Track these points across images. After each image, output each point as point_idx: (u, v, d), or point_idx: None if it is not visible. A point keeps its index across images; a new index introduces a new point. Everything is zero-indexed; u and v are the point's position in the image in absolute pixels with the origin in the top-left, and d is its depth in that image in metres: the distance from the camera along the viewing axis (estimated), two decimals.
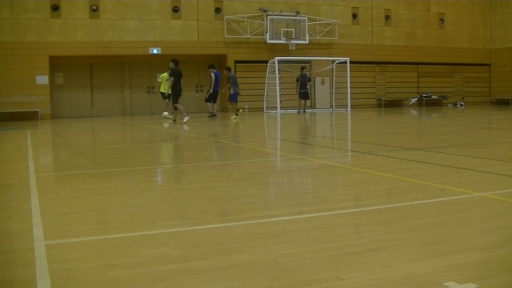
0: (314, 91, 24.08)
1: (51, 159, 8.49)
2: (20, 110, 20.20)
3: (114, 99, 22.95)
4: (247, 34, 22.96)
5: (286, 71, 22.17)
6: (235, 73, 23.18)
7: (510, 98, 26.44)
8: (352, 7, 24.92)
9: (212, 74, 18.47)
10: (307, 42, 23.37)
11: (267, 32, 22.97)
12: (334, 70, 23.63)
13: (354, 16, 25.05)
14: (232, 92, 17.95)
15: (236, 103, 17.99)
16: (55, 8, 20.56)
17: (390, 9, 25.73)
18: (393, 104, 25.92)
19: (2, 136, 12.84)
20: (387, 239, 3.23)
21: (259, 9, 23.18)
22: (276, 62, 21.17)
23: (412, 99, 26.43)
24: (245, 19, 22.96)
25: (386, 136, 11.38)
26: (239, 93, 18.35)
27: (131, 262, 2.87)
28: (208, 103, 18.97)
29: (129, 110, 23.04)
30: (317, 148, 9.03)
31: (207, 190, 5.13)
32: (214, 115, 18.69)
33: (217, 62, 24.13)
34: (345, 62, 22.50)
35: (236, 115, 17.55)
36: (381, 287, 2.44)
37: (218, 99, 19.97)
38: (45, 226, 3.66)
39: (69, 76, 22.13)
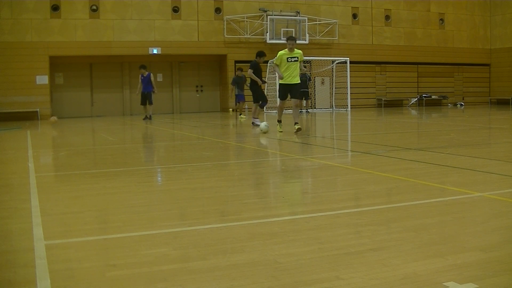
0: (314, 91, 24.08)
1: (51, 159, 8.48)
2: (20, 110, 20.21)
3: (114, 99, 22.97)
4: (247, 34, 22.97)
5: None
6: (234, 73, 23.19)
7: (510, 98, 26.45)
8: (352, 7, 24.93)
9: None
10: (307, 42, 23.38)
11: (267, 32, 22.98)
12: (334, 70, 23.63)
13: (354, 16, 25.06)
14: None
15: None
16: (55, 8, 20.57)
17: (390, 9, 25.74)
18: (393, 104, 25.92)
19: (2, 136, 12.84)
20: (387, 239, 3.23)
21: (259, 9, 23.18)
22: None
23: (412, 99, 26.43)
24: (245, 19, 22.96)
25: (386, 136, 11.37)
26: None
27: (131, 262, 2.87)
28: (150, 106, 17.99)
29: (129, 110, 23.05)
30: (317, 148, 9.03)
31: (207, 190, 5.13)
32: (149, 118, 17.86)
33: (217, 62, 24.15)
34: (345, 62, 22.50)
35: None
36: (381, 287, 2.44)
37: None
38: (45, 226, 3.66)
39: (69, 76, 22.15)
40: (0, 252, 3.12)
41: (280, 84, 11.27)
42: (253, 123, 13.71)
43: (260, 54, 13.75)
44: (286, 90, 11.04)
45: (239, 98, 17.95)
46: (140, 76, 17.91)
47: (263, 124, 11.35)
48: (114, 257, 2.98)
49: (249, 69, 13.58)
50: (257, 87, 13.72)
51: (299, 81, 11.11)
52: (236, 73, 18.15)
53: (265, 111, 21.57)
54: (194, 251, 3.04)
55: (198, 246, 3.13)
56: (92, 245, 3.28)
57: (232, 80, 18.28)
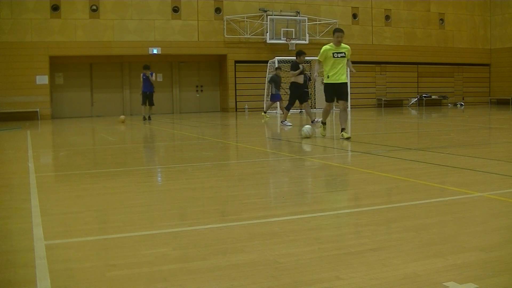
0: (314, 91, 24.07)
1: (51, 159, 8.49)
2: (20, 110, 20.20)
3: (114, 99, 22.96)
4: (247, 34, 22.97)
5: (286, 71, 22.13)
6: (235, 73, 23.21)
7: (510, 98, 26.44)
8: (352, 7, 24.92)
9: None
10: (307, 42, 23.37)
11: (267, 32, 22.97)
12: None
13: (354, 16, 25.06)
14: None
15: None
16: (55, 8, 20.57)
17: (390, 9, 25.73)
18: (393, 104, 25.92)
19: (2, 136, 12.83)
20: (387, 239, 3.23)
21: (259, 9, 23.18)
22: (276, 62, 21.16)
23: (412, 99, 26.42)
24: (245, 19, 22.96)
25: (386, 136, 11.38)
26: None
27: (131, 262, 2.87)
28: (150, 106, 18.03)
29: (129, 110, 23.04)
30: (317, 148, 9.03)
31: (207, 190, 5.13)
32: (149, 118, 17.83)
33: (217, 62, 24.14)
34: None
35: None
36: (381, 287, 2.44)
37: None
38: (45, 226, 3.66)
39: (69, 76, 22.15)
40: (0, 252, 3.12)
41: (325, 84, 9.66)
42: (313, 121, 13.77)
43: (299, 53, 13.44)
44: (332, 91, 9.54)
45: (276, 98, 17.94)
46: (142, 75, 17.95)
47: (306, 128, 10.09)
48: (114, 257, 2.98)
49: (290, 71, 13.41)
50: (296, 89, 13.45)
51: (346, 81, 9.69)
52: (276, 71, 18.05)
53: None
54: (194, 251, 3.04)
55: (198, 246, 3.13)
56: (92, 245, 3.28)
57: (270, 78, 18.24)
